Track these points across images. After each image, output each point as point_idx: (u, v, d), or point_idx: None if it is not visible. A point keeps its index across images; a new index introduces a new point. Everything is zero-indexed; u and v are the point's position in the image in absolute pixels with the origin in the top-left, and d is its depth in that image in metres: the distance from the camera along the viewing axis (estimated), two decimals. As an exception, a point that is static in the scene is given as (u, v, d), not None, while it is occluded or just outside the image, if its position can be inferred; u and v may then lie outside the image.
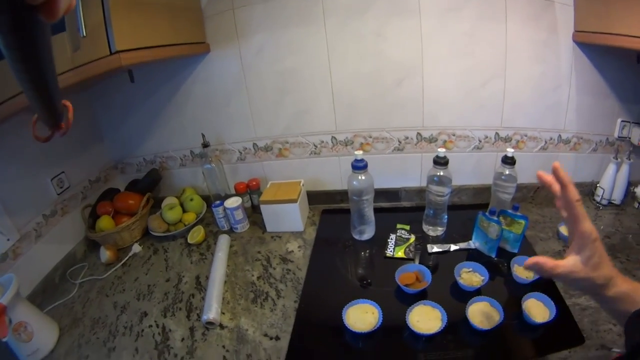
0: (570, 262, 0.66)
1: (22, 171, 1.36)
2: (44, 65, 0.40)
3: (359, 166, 1.29)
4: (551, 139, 1.48)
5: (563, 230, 1.32)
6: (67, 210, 1.53)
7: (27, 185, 1.37)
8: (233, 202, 1.53)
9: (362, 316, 1.05)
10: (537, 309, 1.00)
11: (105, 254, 1.46)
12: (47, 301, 1.33)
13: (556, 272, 0.67)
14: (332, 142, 1.59)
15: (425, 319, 1.01)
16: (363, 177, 1.31)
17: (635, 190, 1.43)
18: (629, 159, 1.40)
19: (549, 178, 0.69)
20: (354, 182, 1.31)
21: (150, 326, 1.17)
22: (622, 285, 0.65)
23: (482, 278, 1.14)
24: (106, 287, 1.38)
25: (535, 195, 1.59)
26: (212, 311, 1.12)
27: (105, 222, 1.51)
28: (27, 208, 1.37)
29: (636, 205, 1.44)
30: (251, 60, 1.48)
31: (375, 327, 1.00)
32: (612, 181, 1.44)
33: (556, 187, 0.68)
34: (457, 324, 1.00)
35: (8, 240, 1.27)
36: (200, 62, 1.51)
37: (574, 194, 0.66)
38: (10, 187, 1.31)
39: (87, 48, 0.96)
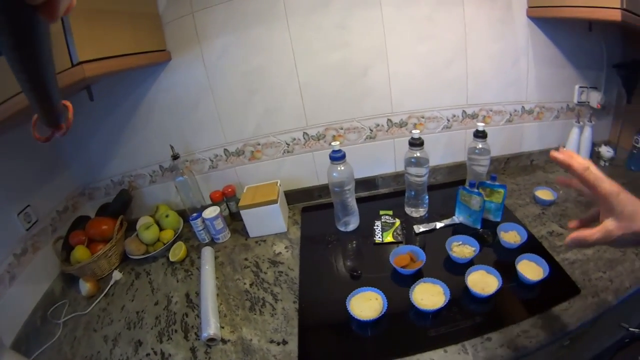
0: (605, 226, 0.64)
1: (-15, 209, 1.26)
2: (44, 65, 0.39)
3: (337, 157, 1.29)
4: (515, 110, 1.54)
5: (539, 194, 1.38)
6: (38, 246, 1.43)
7: (-8, 224, 1.27)
8: (211, 212, 1.49)
9: (367, 304, 1.05)
10: (531, 269, 1.06)
11: (86, 287, 1.38)
12: (32, 347, 1.23)
13: (594, 239, 0.65)
14: (304, 138, 1.58)
15: (428, 295, 1.03)
16: (342, 168, 1.31)
17: (600, 149, 1.53)
18: (590, 122, 1.48)
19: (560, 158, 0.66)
20: (334, 174, 1.31)
21: (148, 354, 1.10)
22: None
23: (474, 249, 1.18)
24: (92, 322, 1.29)
25: (506, 166, 1.66)
26: (211, 327, 1.08)
27: (80, 253, 1.42)
28: (-4, 249, 1.27)
29: (602, 163, 1.53)
30: (215, 63, 1.44)
31: (382, 313, 1.01)
32: (577, 144, 1.52)
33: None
34: (459, 295, 1.04)
35: (-20, 288, 1.17)
36: (162, 70, 1.46)
37: (580, 166, 0.64)
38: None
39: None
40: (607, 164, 1.52)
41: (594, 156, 1.56)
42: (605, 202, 0.64)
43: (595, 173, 0.64)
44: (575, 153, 0.66)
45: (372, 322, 1.01)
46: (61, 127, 0.60)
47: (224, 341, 1.08)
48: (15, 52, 0.34)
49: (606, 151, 1.50)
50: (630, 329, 0.85)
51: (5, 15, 0.28)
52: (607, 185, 0.63)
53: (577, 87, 1.50)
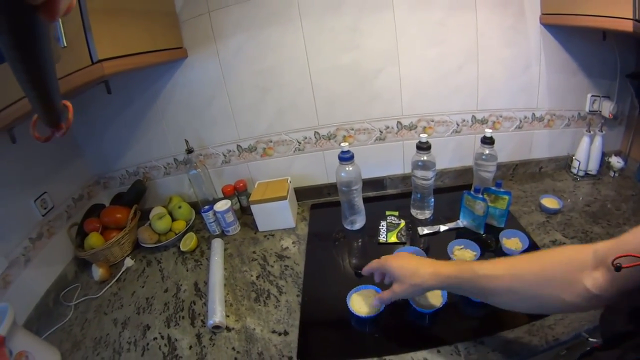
0: (392, 288, 0.91)
1: (3, 195, 1.31)
2: (44, 65, 0.41)
3: (346, 157, 1.31)
4: (525, 117, 1.54)
5: (545, 202, 1.38)
6: (53, 231, 1.49)
7: (10, 209, 1.32)
8: (222, 205, 1.53)
9: (367, 301, 1.07)
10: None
11: (98, 272, 1.43)
12: (43, 327, 1.29)
13: (387, 298, 0.92)
14: (315, 137, 1.61)
15: (426, 296, 1.05)
16: (350, 168, 1.33)
17: (610, 160, 1.52)
18: (601, 131, 1.48)
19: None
20: (342, 174, 1.34)
21: (155, 338, 1.15)
22: (447, 270, 0.83)
23: (474, 253, 1.19)
24: (103, 305, 1.35)
25: (514, 172, 1.66)
26: (217, 315, 1.12)
27: (94, 239, 1.48)
28: (13, 233, 1.32)
29: (612, 174, 1.52)
30: (230, 62, 1.48)
31: (380, 310, 1.03)
32: (587, 153, 1.51)
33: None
34: (456, 298, 1.05)
35: (-3, 268, 1.22)
36: (178, 67, 1.50)
37: (373, 266, 0.99)
38: (-7, 212, 1.26)
39: (67, 59, 0.93)
40: (616, 174, 1.51)
41: (604, 166, 1.55)
42: (382, 274, 0.97)
43: (373, 263, 0.99)
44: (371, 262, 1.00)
45: (370, 319, 1.03)
46: (61, 127, 0.61)
47: (228, 329, 1.12)
48: (16, 52, 0.35)
49: (616, 162, 1.49)
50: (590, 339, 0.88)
51: (5, 15, 0.29)
52: (372, 263, 0.99)
53: (589, 95, 1.49)
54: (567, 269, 0.67)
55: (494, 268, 0.76)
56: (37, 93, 0.46)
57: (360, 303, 1.07)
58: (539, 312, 0.77)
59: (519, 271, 0.73)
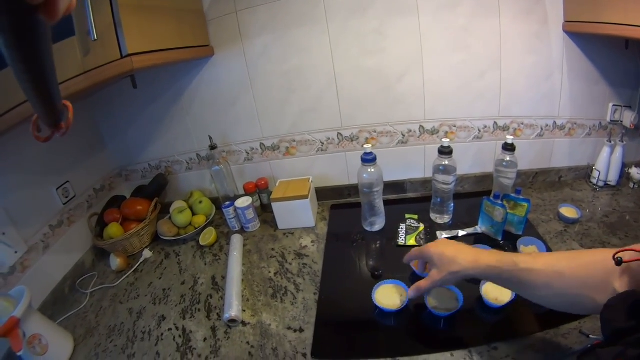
0: (430, 275, 0.91)
1: (27, 182, 1.34)
2: (45, 65, 0.41)
3: (369, 159, 1.32)
4: (547, 125, 1.54)
5: (563, 211, 1.37)
6: (73, 219, 1.51)
7: (32, 196, 1.36)
8: (243, 201, 1.55)
9: (391, 295, 1.09)
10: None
11: (116, 262, 1.45)
12: (58, 313, 1.31)
13: (425, 287, 0.92)
14: (338, 139, 1.62)
15: (442, 300, 1.05)
16: (372, 170, 1.34)
17: (630, 171, 1.51)
18: (622, 142, 1.47)
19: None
20: (364, 175, 1.34)
21: (170, 329, 1.16)
22: (488, 260, 0.83)
23: (491, 259, 1.18)
24: (119, 295, 1.36)
25: (534, 180, 1.65)
26: (234, 309, 1.13)
27: (114, 229, 1.50)
28: (34, 219, 1.35)
29: (631, 185, 1.51)
30: (256, 61, 1.50)
31: (404, 305, 1.05)
32: (607, 163, 1.50)
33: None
34: (472, 302, 1.04)
35: (16, 252, 1.25)
36: (205, 65, 1.53)
37: (412, 255, 1.01)
38: (15, 198, 1.29)
39: (97, 52, 0.96)
40: (636, 186, 1.49)
41: (624, 177, 1.53)
42: (427, 259, 0.95)
43: (413, 251, 1.00)
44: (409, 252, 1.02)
45: (389, 313, 1.05)
46: (61, 127, 0.61)
47: (244, 323, 1.13)
48: (16, 52, 0.36)
49: (637, 173, 1.48)
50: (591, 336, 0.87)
51: (6, 15, 0.29)
52: (413, 250, 1.00)
53: (611, 104, 1.48)
54: (603, 270, 0.67)
55: (534, 262, 0.76)
56: (37, 93, 0.46)
57: (384, 297, 1.08)
58: (571, 311, 0.76)
59: (559, 268, 0.73)
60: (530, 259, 0.77)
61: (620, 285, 0.63)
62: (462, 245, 0.91)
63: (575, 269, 0.71)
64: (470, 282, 1.04)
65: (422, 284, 0.92)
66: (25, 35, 0.33)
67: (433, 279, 0.89)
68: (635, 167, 1.50)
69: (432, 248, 0.92)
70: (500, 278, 0.81)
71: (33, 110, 0.53)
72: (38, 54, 0.38)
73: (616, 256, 0.56)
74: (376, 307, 1.06)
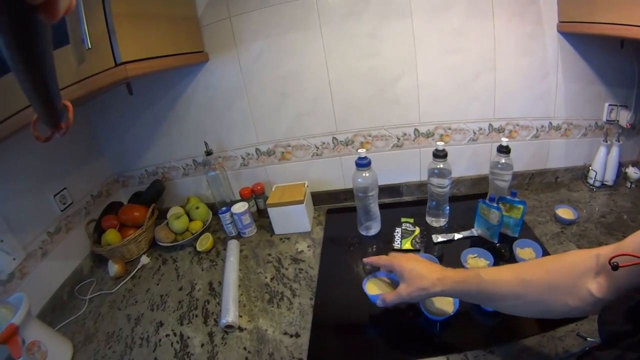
0: (397, 290, 0.92)
1: (24, 189, 1.35)
2: (44, 65, 0.41)
3: (363, 164, 1.32)
4: (542, 126, 1.54)
5: (560, 212, 1.37)
6: (71, 226, 1.52)
7: (30, 203, 1.36)
8: (240, 207, 1.55)
9: (381, 286, 1.07)
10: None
11: (114, 268, 1.46)
12: (57, 319, 1.32)
13: (391, 299, 0.92)
14: (333, 143, 1.62)
15: (438, 303, 1.04)
16: (367, 174, 1.34)
17: (627, 170, 1.51)
18: (619, 141, 1.46)
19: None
20: (359, 180, 1.35)
21: (168, 335, 1.16)
22: (454, 276, 0.84)
23: (487, 262, 1.18)
24: (117, 301, 1.37)
25: (530, 181, 1.65)
26: (230, 314, 1.13)
27: (111, 236, 1.51)
28: (32, 226, 1.36)
29: (628, 184, 1.51)
30: (251, 67, 1.51)
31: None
32: (603, 163, 1.49)
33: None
34: (468, 306, 1.04)
35: (14, 259, 1.25)
36: (199, 71, 1.53)
37: (380, 262, 1.01)
38: (13, 205, 1.30)
39: (92, 60, 0.96)
40: (633, 185, 1.49)
41: (621, 177, 1.53)
42: (396, 272, 0.95)
43: (380, 259, 1.01)
44: (380, 256, 1.03)
45: (386, 316, 1.05)
46: (61, 127, 0.61)
47: (240, 329, 1.13)
48: (16, 52, 0.36)
49: (633, 172, 1.48)
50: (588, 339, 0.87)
51: (6, 15, 0.29)
52: (382, 258, 1.01)
53: (606, 104, 1.48)
54: (572, 274, 0.68)
55: (499, 273, 0.77)
56: (37, 93, 0.46)
57: (375, 289, 1.07)
58: (544, 316, 0.77)
59: (524, 276, 0.74)
60: (495, 270, 0.79)
61: (596, 288, 0.63)
62: (432, 263, 0.93)
63: (541, 276, 0.72)
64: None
65: (387, 297, 0.93)
66: (25, 35, 0.33)
67: (400, 293, 0.91)
68: (632, 166, 1.50)
69: (404, 262, 0.93)
70: (469, 294, 0.82)
71: (33, 110, 0.54)
72: (38, 53, 0.38)
73: (612, 261, 0.56)
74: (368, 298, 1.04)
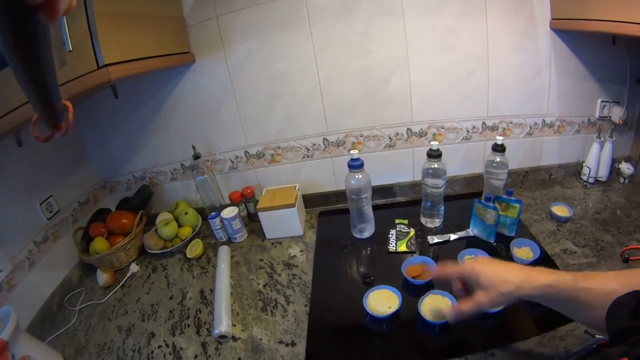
0: (475, 298, 0.78)
1: (9, 198, 1.31)
2: (44, 65, 0.40)
3: (356, 165, 1.30)
4: (536, 123, 1.53)
5: (555, 210, 1.36)
6: (58, 235, 1.48)
7: (15, 212, 1.32)
8: (229, 212, 1.52)
9: (382, 302, 1.07)
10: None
11: (103, 277, 1.42)
12: (47, 331, 1.28)
13: (469, 313, 0.80)
14: (324, 144, 1.60)
15: (437, 307, 1.03)
16: (360, 176, 1.32)
17: (620, 166, 1.51)
18: (612, 137, 1.46)
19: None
20: (352, 182, 1.32)
21: (160, 347, 1.14)
22: (544, 279, 0.72)
23: (486, 262, 1.16)
24: (108, 311, 1.34)
25: (524, 179, 1.64)
26: (223, 324, 1.11)
27: (99, 244, 1.47)
28: (18, 236, 1.32)
29: (622, 180, 1.51)
30: (239, 67, 1.47)
31: (397, 308, 1.04)
32: (596, 159, 1.50)
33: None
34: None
35: (1, 271, 1.22)
36: (186, 72, 1.50)
37: (449, 272, 0.86)
38: (-2, 215, 1.26)
39: (73, 63, 0.93)
40: (627, 181, 1.50)
41: (614, 173, 1.53)
42: (468, 279, 0.83)
43: (455, 267, 0.87)
44: (446, 265, 0.88)
45: (382, 320, 1.04)
46: (61, 127, 0.60)
47: (234, 339, 1.10)
48: (16, 52, 0.35)
49: (626, 168, 1.48)
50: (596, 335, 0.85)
51: (5, 15, 0.29)
52: (460, 266, 0.87)
53: (599, 101, 1.47)
54: None
55: (589, 281, 0.69)
56: (37, 93, 0.46)
57: (377, 303, 1.07)
58: None
59: (612, 287, 0.65)
60: (585, 277, 0.70)
61: None
62: (509, 263, 0.81)
63: (629, 287, 0.63)
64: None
65: (465, 307, 0.80)
66: (25, 35, 0.33)
67: (480, 301, 0.78)
68: (625, 162, 1.50)
69: (478, 266, 0.81)
70: (558, 298, 0.72)
71: (33, 110, 0.53)
72: (37, 53, 0.37)
73: (623, 254, 0.54)
74: (368, 314, 1.05)
